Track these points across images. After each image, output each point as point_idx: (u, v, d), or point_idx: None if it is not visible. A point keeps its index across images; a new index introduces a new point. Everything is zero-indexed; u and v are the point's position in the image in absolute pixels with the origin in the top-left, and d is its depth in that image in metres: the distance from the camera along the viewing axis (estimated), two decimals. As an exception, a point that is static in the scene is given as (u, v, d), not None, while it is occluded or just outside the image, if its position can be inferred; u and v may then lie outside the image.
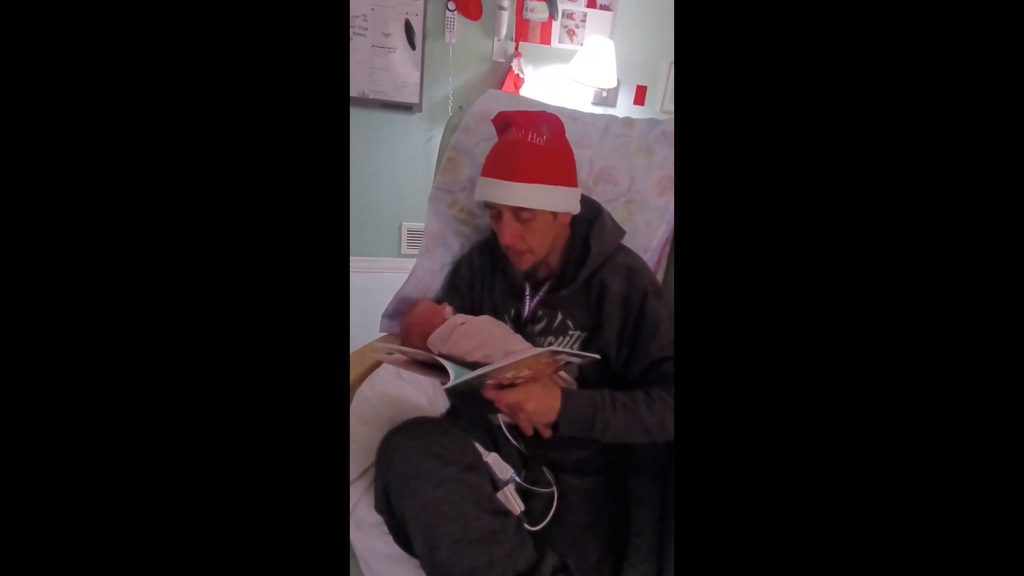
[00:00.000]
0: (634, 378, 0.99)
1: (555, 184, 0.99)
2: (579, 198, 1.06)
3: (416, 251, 1.33)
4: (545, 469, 1.00)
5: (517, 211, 0.99)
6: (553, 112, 1.09)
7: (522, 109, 1.07)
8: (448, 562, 0.78)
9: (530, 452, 1.02)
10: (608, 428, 0.89)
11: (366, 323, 1.34)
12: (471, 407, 1.08)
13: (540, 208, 0.98)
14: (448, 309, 1.13)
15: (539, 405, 0.87)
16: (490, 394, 0.86)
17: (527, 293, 1.11)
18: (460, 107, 1.38)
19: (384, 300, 1.32)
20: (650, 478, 1.08)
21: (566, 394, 0.90)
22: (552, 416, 0.88)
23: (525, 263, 1.05)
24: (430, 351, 1.09)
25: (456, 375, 0.81)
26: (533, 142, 0.99)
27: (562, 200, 1.01)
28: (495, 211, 1.01)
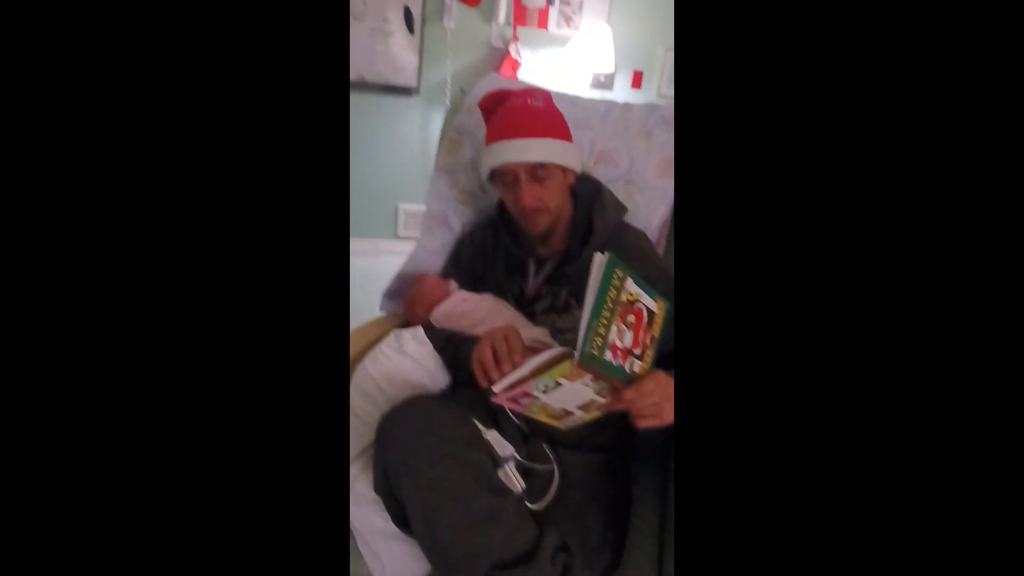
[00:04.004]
0: None
1: (561, 139, 1.06)
2: (578, 155, 1.12)
3: (412, 233, 1.33)
4: (545, 446, 1.00)
5: (533, 170, 1.03)
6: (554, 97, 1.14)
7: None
8: (447, 543, 0.77)
9: (530, 429, 1.02)
10: None
11: (362, 304, 1.33)
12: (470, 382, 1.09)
13: (555, 162, 1.04)
14: (453, 284, 1.14)
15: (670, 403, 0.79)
16: (617, 402, 0.79)
17: (531, 271, 1.11)
18: (462, 90, 1.39)
19: (380, 282, 1.32)
20: (650, 457, 1.09)
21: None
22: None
23: (542, 223, 1.07)
24: (432, 324, 1.09)
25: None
26: (533, 105, 1.06)
27: (568, 155, 1.07)
28: (509, 176, 1.04)
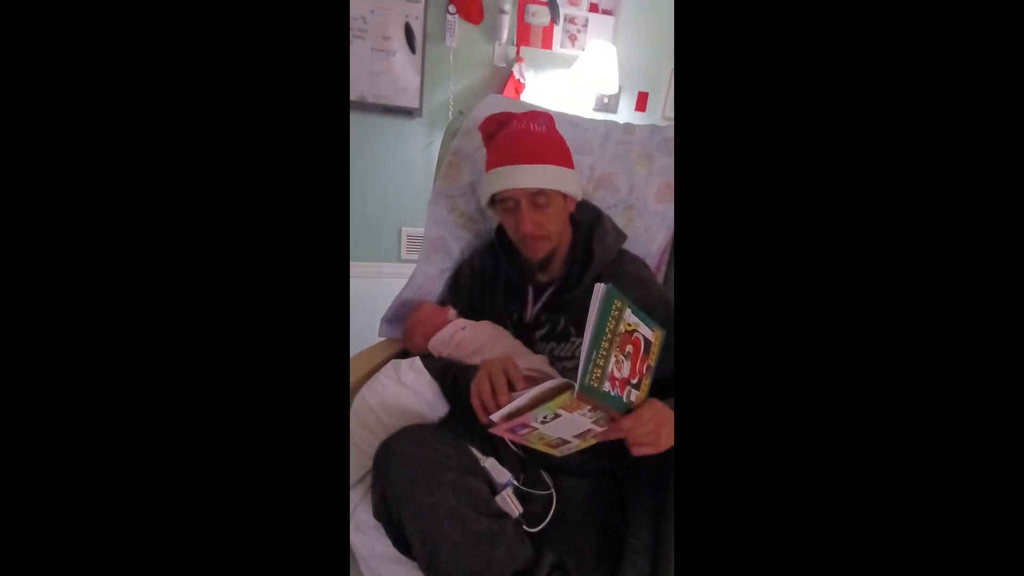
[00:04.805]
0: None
1: (562, 166, 1.05)
2: (579, 182, 1.11)
3: (416, 256, 1.33)
4: (543, 472, 1.01)
5: (533, 197, 1.03)
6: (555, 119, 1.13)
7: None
8: (447, 564, 0.78)
9: (528, 455, 1.02)
10: None
11: (365, 328, 1.34)
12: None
13: (556, 188, 1.03)
14: (451, 311, 1.15)
15: (669, 430, 0.81)
16: (614, 431, 0.80)
17: (530, 298, 1.12)
18: (460, 112, 1.38)
19: (384, 305, 1.32)
20: (646, 480, 1.08)
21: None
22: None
23: (542, 250, 1.07)
24: (430, 352, 1.10)
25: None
26: (536, 130, 1.05)
27: (570, 181, 1.06)
28: (510, 202, 1.04)
